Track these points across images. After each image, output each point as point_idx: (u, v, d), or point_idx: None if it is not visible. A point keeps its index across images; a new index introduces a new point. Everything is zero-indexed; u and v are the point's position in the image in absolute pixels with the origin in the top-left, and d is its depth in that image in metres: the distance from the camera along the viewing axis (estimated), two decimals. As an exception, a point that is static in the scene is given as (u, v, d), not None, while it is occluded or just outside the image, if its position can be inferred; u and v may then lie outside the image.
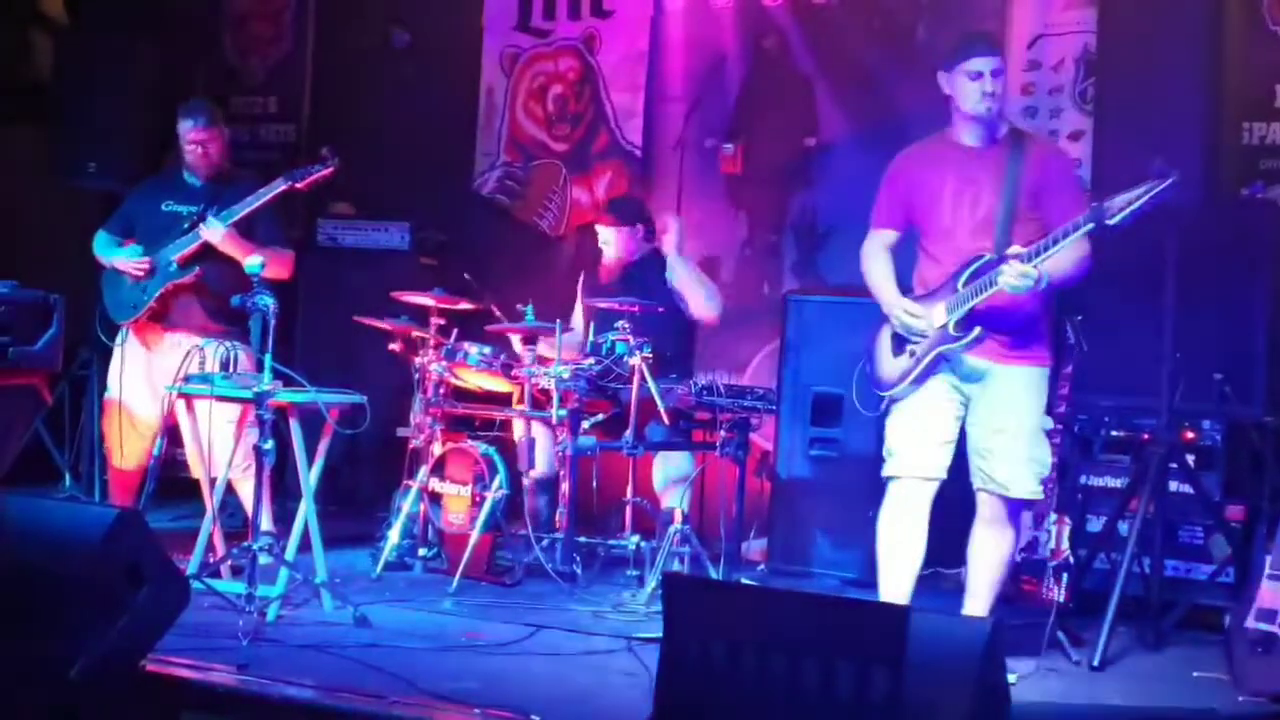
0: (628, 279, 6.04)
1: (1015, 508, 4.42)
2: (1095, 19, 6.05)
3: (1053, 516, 4.73)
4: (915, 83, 6.23)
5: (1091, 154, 5.94)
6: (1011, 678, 4.06)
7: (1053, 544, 4.70)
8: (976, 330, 4.26)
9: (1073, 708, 4.13)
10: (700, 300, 5.95)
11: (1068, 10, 6.28)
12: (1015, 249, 4.16)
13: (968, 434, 4.41)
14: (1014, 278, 4.09)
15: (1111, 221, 3.93)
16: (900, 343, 4.46)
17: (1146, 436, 5.15)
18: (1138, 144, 4.81)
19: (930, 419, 4.41)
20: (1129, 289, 5.21)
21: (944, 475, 4.42)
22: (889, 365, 4.50)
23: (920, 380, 4.39)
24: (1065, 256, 4.15)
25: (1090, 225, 3.99)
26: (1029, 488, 4.37)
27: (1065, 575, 4.67)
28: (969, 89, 4.31)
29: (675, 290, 5.96)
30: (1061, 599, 4.66)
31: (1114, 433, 5.42)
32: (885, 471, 4.49)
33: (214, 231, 5.36)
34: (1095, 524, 5.23)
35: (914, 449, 4.42)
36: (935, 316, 4.34)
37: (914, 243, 4.56)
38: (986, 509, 4.41)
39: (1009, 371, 4.34)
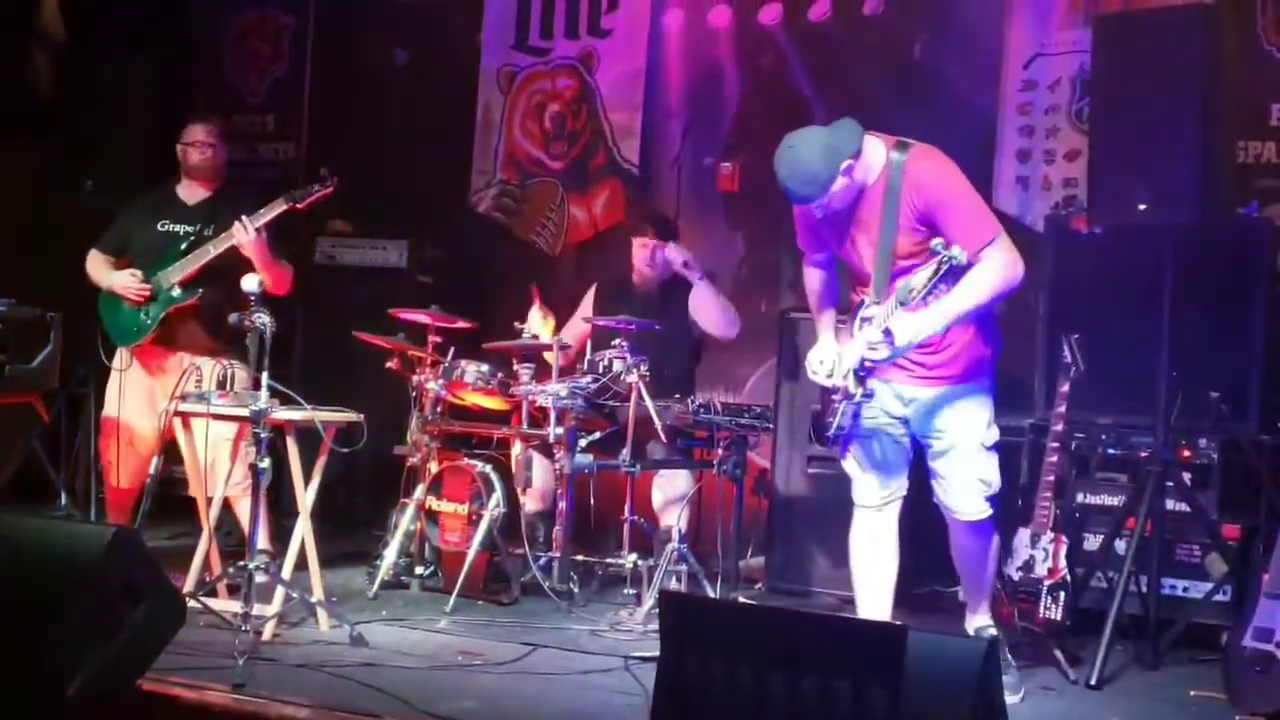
0: (665, 294, 6.07)
1: (973, 524, 4.35)
2: (1090, 39, 6.08)
3: (1049, 535, 4.73)
4: (912, 102, 6.27)
5: (1087, 174, 5.96)
6: (1015, 698, 4.07)
7: (1049, 563, 4.70)
8: (859, 392, 4.14)
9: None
10: (717, 319, 5.98)
11: (1064, 30, 6.31)
12: (870, 309, 4.04)
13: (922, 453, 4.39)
14: (870, 350, 4.00)
15: (910, 303, 3.86)
16: (827, 389, 4.36)
17: (1143, 454, 5.15)
18: (1132, 164, 4.81)
19: (872, 449, 4.36)
20: (1125, 307, 5.23)
21: (902, 493, 4.40)
22: (829, 407, 4.39)
23: (847, 424, 4.29)
24: (961, 292, 3.94)
25: (900, 308, 3.89)
26: (975, 508, 4.30)
27: (1062, 594, 4.66)
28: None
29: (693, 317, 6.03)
30: (1058, 618, 4.66)
31: (1110, 451, 5.42)
32: (852, 497, 4.47)
33: (246, 235, 5.34)
34: (1092, 542, 5.23)
35: (866, 479, 4.41)
36: (844, 361, 4.21)
37: None
38: (950, 525, 4.40)
39: (938, 394, 4.23)
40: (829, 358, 4.26)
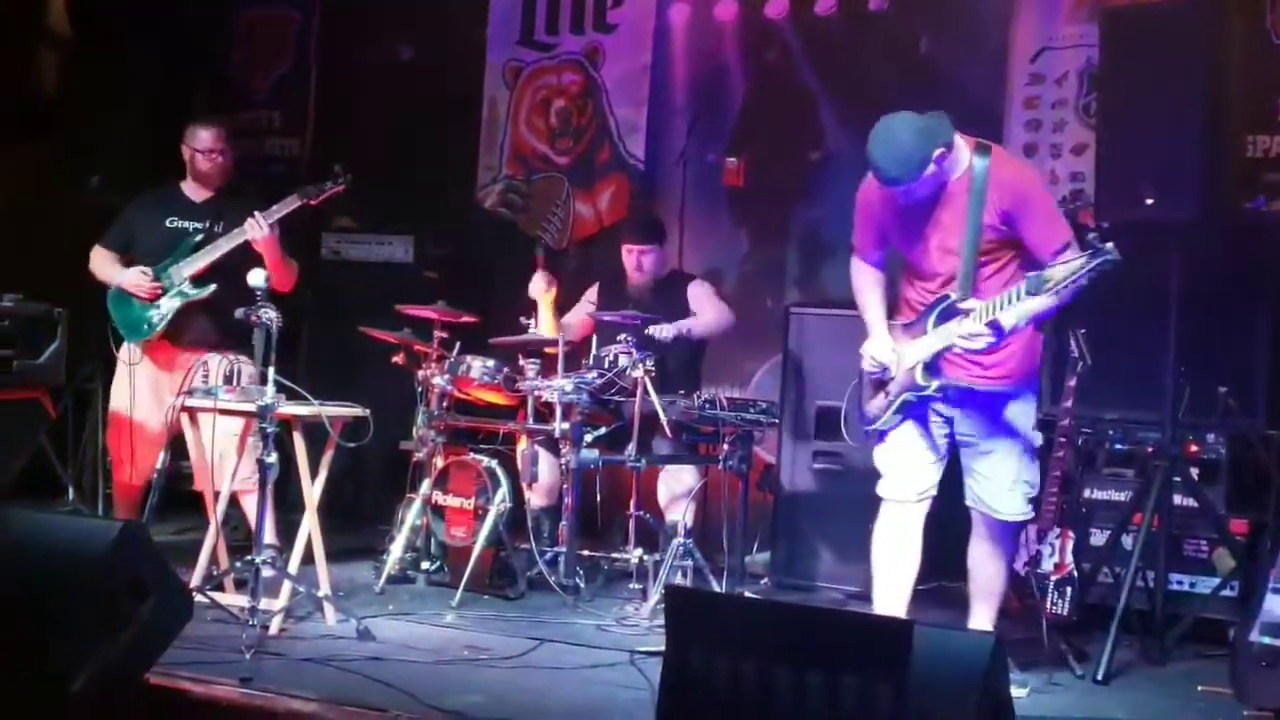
0: (659, 295, 6.08)
1: (1006, 526, 4.41)
2: (1097, 33, 6.07)
3: (1056, 531, 4.72)
4: (919, 96, 6.23)
5: (1094, 168, 5.96)
6: (1021, 692, 4.07)
7: (1056, 558, 4.69)
8: (936, 383, 4.21)
9: (1077, 722, 4.13)
10: (710, 319, 5.98)
11: (1070, 24, 6.29)
12: (970, 303, 4.08)
13: (960, 453, 4.40)
14: (965, 339, 4.05)
15: (1047, 293, 3.90)
16: (879, 380, 4.44)
17: (1150, 450, 5.15)
18: (1139, 158, 4.80)
19: (915, 443, 4.39)
20: (1132, 302, 5.21)
21: (933, 493, 4.42)
22: (870, 399, 4.48)
23: (899, 414, 4.36)
24: (1032, 303, 4.03)
25: (1029, 296, 3.93)
26: (1017, 509, 4.36)
27: (1069, 589, 4.66)
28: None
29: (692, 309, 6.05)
30: (1065, 613, 4.66)
31: (1118, 446, 5.41)
32: (879, 491, 4.49)
33: (259, 231, 5.35)
34: (1099, 538, 5.22)
35: (900, 472, 4.42)
36: (908, 356, 4.29)
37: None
38: (980, 525, 4.42)
39: (992, 395, 4.29)
40: (886, 350, 4.33)
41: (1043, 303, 4.02)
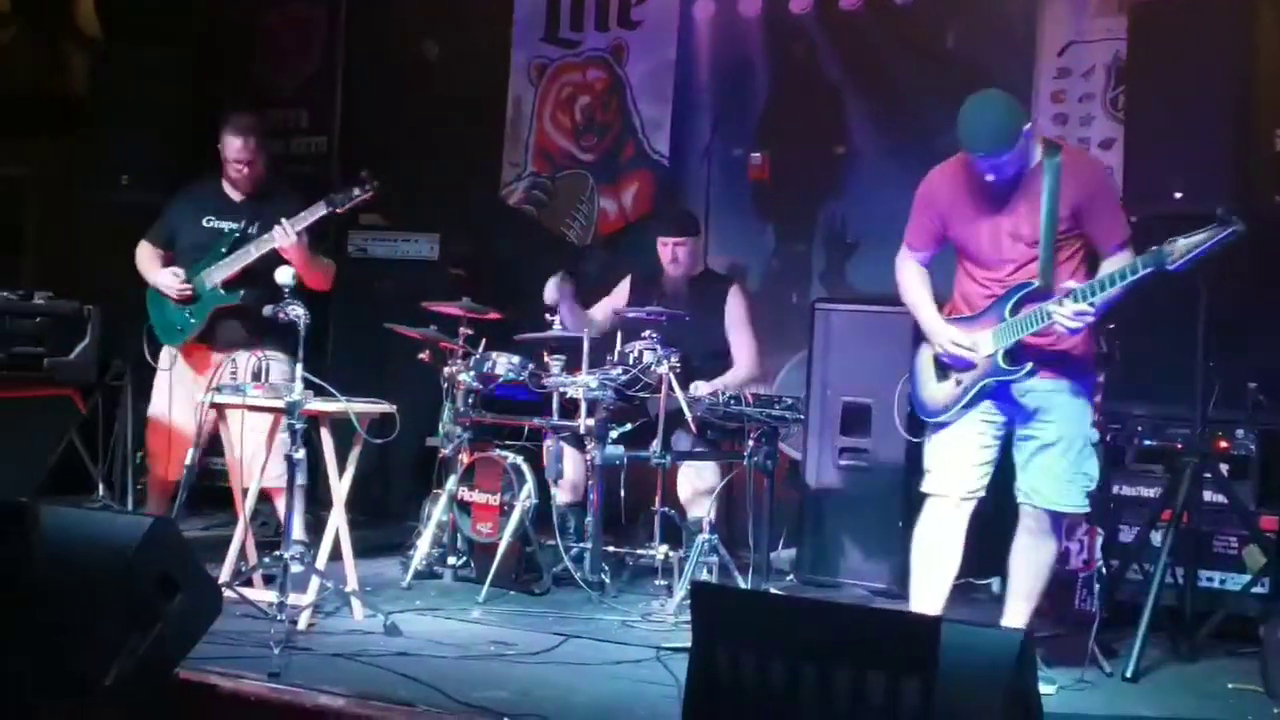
0: (693, 293, 6.08)
1: (1059, 520, 4.39)
2: (1125, 26, 6.03)
3: (1084, 527, 4.70)
4: (945, 91, 6.21)
5: (1122, 162, 5.93)
6: (1050, 690, 4.05)
7: (1085, 555, 4.68)
8: (1029, 365, 4.23)
9: None
10: (744, 372, 6.01)
11: (1098, 18, 6.25)
12: (1070, 284, 4.11)
13: (1013, 448, 4.38)
14: (1070, 319, 4.05)
15: (1171, 267, 3.91)
16: (944, 368, 4.44)
17: (1179, 446, 5.12)
18: (1168, 152, 4.77)
19: (971, 439, 4.38)
20: (1161, 298, 5.18)
21: (981, 494, 4.40)
22: (933, 390, 4.47)
23: (968, 407, 4.37)
24: (1115, 281, 4.10)
25: (1150, 269, 3.95)
26: (1075, 502, 4.33)
27: (1098, 586, 4.64)
28: (971, 161, 4.28)
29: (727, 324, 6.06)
30: (1094, 610, 4.63)
31: (1146, 442, 5.38)
32: (924, 487, 4.47)
33: (286, 239, 5.37)
34: (1128, 534, 5.19)
35: (954, 469, 4.40)
36: (982, 344, 4.30)
37: (951, 255, 4.53)
38: (1031, 521, 4.37)
39: (1053, 386, 4.29)
40: (962, 338, 4.34)
41: (1112, 292, 4.07)
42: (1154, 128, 4.85)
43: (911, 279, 4.55)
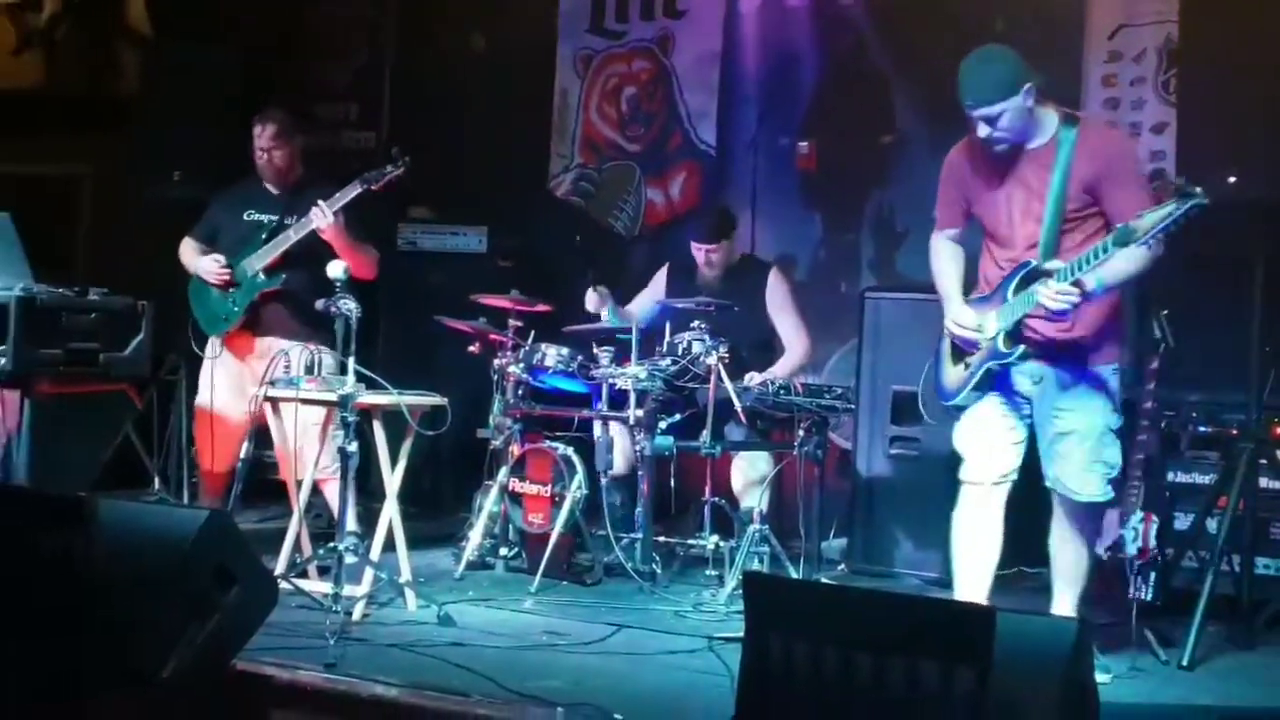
0: (731, 282, 6.08)
1: (1087, 508, 4.33)
2: (1177, 8, 5.96)
3: (1139, 515, 4.66)
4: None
5: (1175, 145, 5.87)
6: (1104, 678, 4.02)
7: (1140, 542, 4.63)
8: (1021, 349, 4.17)
9: (1163, 708, 4.08)
10: (796, 358, 5.99)
11: (1149, 0, 6.19)
12: (1054, 264, 4.05)
13: (1036, 433, 4.35)
14: (1051, 299, 3.99)
15: (1139, 243, 3.82)
16: (959, 351, 4.40)
17: (1235, 432, 5.07)
18: (1222, 134, 4.72)
19: (995, 423, 4.34)
20: (1216, 282, 5.13)
21: (1015, 476, 4.36)
22: (950, 373, 4.44)
23: (979, 390, 4.32)
24: (1117, 263, 3.98)
25: (1117, 248, 3.86)
26: (1095, 491, 4.27)
27: (1152, 574, 4.60)
28: (974, 126, 4.20)
29: (768, 311, 6.04)
30: (1149, 598, 4.59)
31: (1201, 428, 5.33)
32: (960, 475, 4.45)
33: (324, 219, 5.41)
34: (1183, 522, 5.13)
35: (980, 454, 4.38)
36: (988, 325, 4.26)
37: (979, 233, 4.48)
38: (1060, 508, 4.35)
39: (1071, 373, 4.23)
40: (969, 319, 4.30)
41: (1129, 261, 3.97)
42: (1207, 110, 4.80)
43: (939, 258, 4.51)
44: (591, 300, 6.02)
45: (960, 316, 4.35)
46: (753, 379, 5.66)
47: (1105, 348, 4.27)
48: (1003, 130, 4.12)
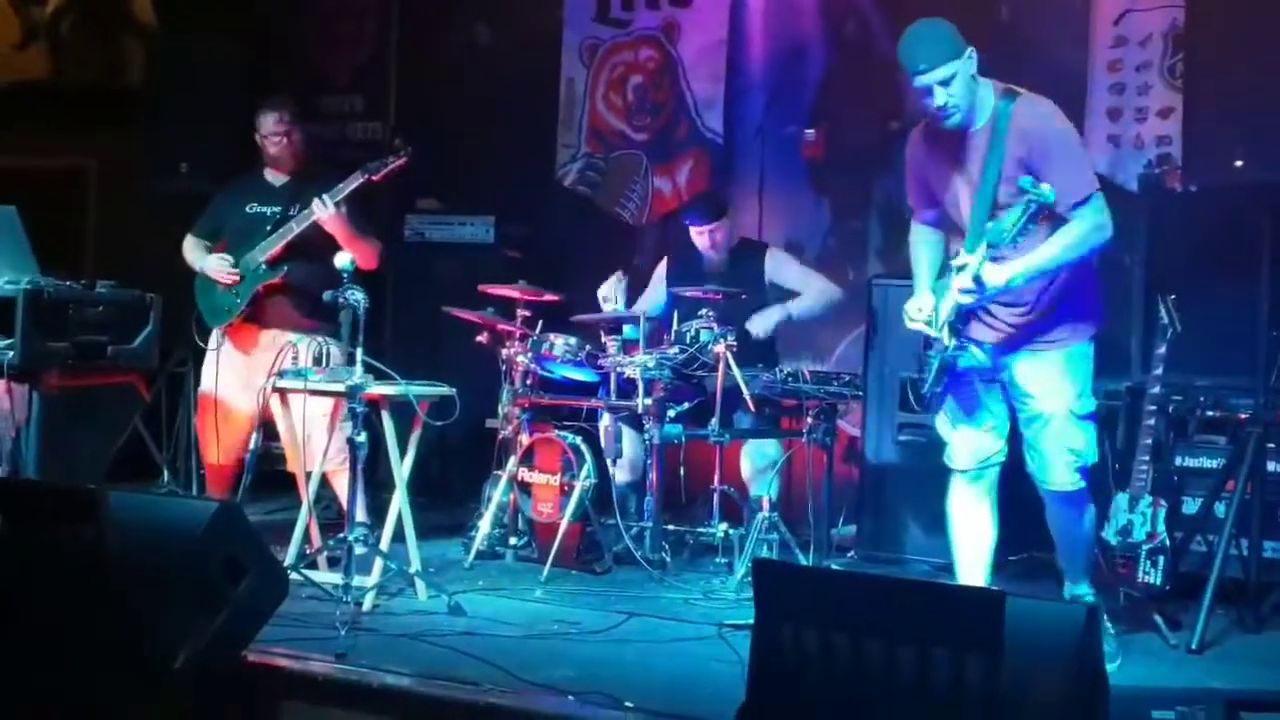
0: (734, 267, 6.08)
1: (1062, 496, 4.28)
2: (1184, -7, 5.96)
3: (1148, 499, 4.66)
4: (1000, 64, 6.13)
5: (1182, 130, 5.85)
6: (1110, 666, 4.02)
7: (1148, 527, 4.63)
8: (953, 343, 4.14)
9: (1171, 691, 4.07)
10: (815, 296, 5.96)
11: (1154, -15, 6.17)
12: (960, 258, 4.00)
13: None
14: (958, 294, 3.97)
15: (1001, 241, 3.82)
16: (927, 340, 4.36)
17: (1243, 416, 5.06)
18: (1228, 119, 4.70)
19: (970, 410, 4.33)
20: (1223, 266, 5.12)
21: (998, 460, 4.35)
22: (925, 361, 4.42)
23: (939, 382, 4.28)
24: (1050, 246, 3.93)
25: (990, 249, 3.86)
26: (1063, 479, 4.23)
27: (1161, 558, 4.60)
28: (924, 104, 4.07)
29: (774, 282, 6.04)
30: (1157, 583, 4.60)
31: (1209, 413, 5.32)
32: (945, 461, 4.45)
33: (324, 210, 5.41)
34: (1191, 506, 5.14)
35: (960, 440, 4.38)
36: (941, 312, 4.20)
37: None
38: (1043, 495, 4.34)
39: (1030, 359, 4.19)
40: (926, 306, 4.25)
41: (1038, 259, 3.93)
42: (1213, 95, 4.78)
43: (915, 244, 4.49)
44: (610, 287, 6.01)
45: (908, 306, 4.30)
46: (765, 320, 5.68)
47: (1070, 329, 4.18)
48: (954, 96, 4.00)
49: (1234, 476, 4.77)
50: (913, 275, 4.45)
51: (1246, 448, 4.75)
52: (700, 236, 6.12)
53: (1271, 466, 4.90)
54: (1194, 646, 4.44)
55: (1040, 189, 3.76)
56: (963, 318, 4.14)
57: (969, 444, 4.35)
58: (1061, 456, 4.21)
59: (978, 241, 4.00)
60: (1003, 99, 4.07)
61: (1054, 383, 4.18)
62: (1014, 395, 4.26)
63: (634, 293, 6.33)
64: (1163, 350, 4.72)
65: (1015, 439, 4.36)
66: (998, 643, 2.73)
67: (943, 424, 4.43)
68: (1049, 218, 3.95)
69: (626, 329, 5.81)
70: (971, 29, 6.51)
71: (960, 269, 4.02)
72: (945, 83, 3.99)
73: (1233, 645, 4.60)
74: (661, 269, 6.40)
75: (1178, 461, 5.29)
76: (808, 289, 6.10)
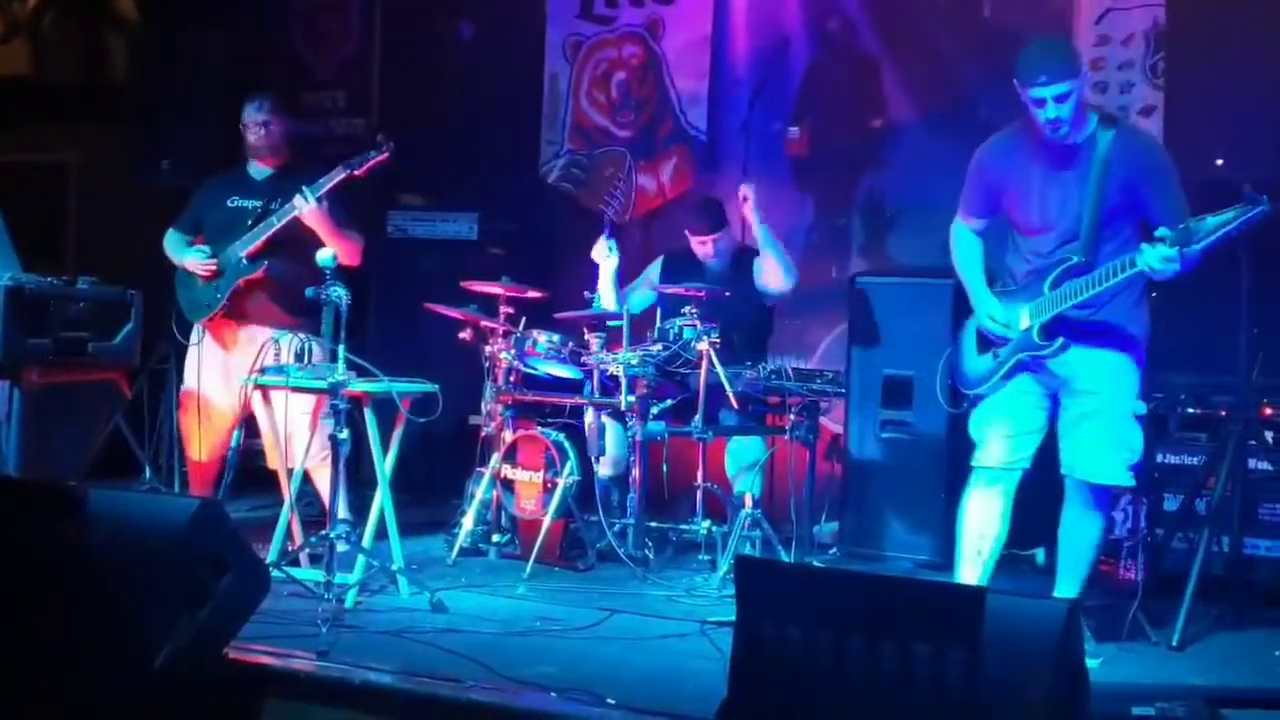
0: (734, 270, 6.06)
1: (1103, 494, 4.35)
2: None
3: (1129, 496, 4.68)
4: (982, 62, 6.19)
5: (1163, 129, 5.87)
6: (1093, 664, 4.03)
7: (1130, 524, 4.65)
8: (1060, 340, 4.21)
9: (1152, 688, 4.09)
10: (774, 266, 5.92)
11: (1136, -16, 6.19)
12: (1162, 231, 4.01)
13: (1058, 420, 4.36)
14: (1158, 260, 3.96)
15: (1197, 242, 3.87)
16: (986, 341, 4.44)
17: (1223, 413, 5.08)
18: (1209, 118, 4.73)
19: (1015, 411, 4.38)
20: (1204, 263, 5.13)
21: (1027, 465, 4.39)
22: (973, 362, 4.48)
23: (1005, 380, 4.37)
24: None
25: (1176, 248, 3.89)
26: (1117, 475, 4.29)
27: (1142, 555, 4.62)
28: (1034, 113, 4.20)
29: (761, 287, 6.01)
30: (1139, 579, 4.61)
31: (1190, 410, 5.35)
32: (973, 460, 4.47)
33: (305, 204, 5.39)
34: (1172, 503, 5.17)
35: (998, 440, 4.40)
36: (1020, 318, 4.30)
37: (1005, 227, 4.51)
38: (1076, 494, 4.36)
39: (1094, 357, 4.27)
40: (999, 312, 4.36)
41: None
42: (1194, 94, 4.81)
43: (963, 249, 4.56)
44: (601, 248, 6.00)
45: (993, 310, 4.39)
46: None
47: (1130, 336, 4.30)
48: (1067, 112, 4.14)
49: (1215, 473, 4.78)
50: (966, 281, 4.52)
51: (1227, 445, 4.76)
52: (700, 246, 6.10)
53: (1252, 463, 4.91)
54: (1175, 644, 4.46)
55: (1263, 198, 3.82)
56: (1056, 319, 4.21)
57: (1006, 442, 4.38)
58: (1120, 453, 4.27)
59: (1090, 250, 4.14)
60: (1103, 123, 4.24)
61: (1118, 380, 4.27)
62: (1075, 390, 4.29)
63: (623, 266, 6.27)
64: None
65: None
66: (977, 639, 2.74)
67: (981, 421, 4.46)
68: (1139, 239, 4.10)
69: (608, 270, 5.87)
70: (955, 26, 6.60)
71: (1078, 271, 4.15)
72: (1061, 98, 4.12)
73: (1213, 642, 4.61)
74: (654, 271, 6.35)
75: (1159, 458, 5.31)
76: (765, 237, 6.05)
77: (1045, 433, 4.39)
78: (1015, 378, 4.36)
